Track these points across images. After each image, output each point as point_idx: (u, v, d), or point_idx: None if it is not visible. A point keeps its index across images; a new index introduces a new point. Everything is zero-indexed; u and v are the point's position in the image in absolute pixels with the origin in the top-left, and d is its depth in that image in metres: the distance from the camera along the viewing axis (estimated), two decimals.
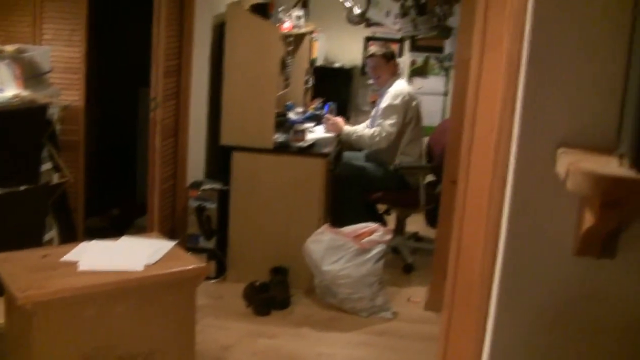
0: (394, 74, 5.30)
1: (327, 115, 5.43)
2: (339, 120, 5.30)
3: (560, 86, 1.51)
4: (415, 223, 5.84)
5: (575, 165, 1.29)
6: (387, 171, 5.20)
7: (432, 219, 5.71)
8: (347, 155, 5.68)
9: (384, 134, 5.01)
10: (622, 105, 1.40)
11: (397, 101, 5.07)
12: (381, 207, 5.70)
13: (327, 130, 5.32)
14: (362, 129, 5.27)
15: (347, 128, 5.21)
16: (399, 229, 5.47)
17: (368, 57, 5.41)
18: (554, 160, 1.51)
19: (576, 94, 1.50)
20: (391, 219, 5.65)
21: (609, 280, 1.57)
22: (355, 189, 5.18)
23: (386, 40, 6.36)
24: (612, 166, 1.30)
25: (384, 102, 5.13)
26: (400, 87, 5.19)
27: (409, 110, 5.12)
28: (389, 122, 5.03)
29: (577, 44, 1.49)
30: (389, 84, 5.23)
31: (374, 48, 5.42)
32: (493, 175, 1.65)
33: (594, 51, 1.49)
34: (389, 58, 5.28)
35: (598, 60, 1.49)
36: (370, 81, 6.51)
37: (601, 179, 1.24)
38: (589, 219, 1.39)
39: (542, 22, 1.50)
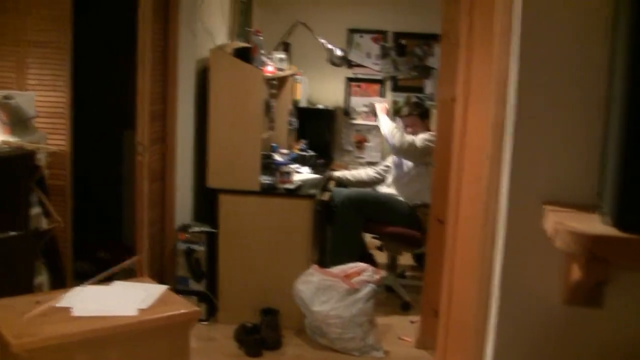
0: (427, 130, 5.40)
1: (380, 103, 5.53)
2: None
3: (545, 148, 1.60)
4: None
5: (562, 224, 1.37)
6: (409, 208, 5.26)
7: (419, 258, 5.75)
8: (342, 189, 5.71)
9: (408, 137, 5.19)
10: (602, 167, 1.49)
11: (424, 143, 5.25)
12: (371, 243, 5.72)
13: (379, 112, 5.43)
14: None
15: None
16: (392, 267, 5.48)
17: (405, 116, 5.51)
18: (540, 216, 1.60)
19: (559, 155, 1.60)
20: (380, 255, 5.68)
21: (597, 327, 1.65)
22: (357, 217, 5.25)
23: (368, 81, 6.51)
24: (596, 225, 1.38)
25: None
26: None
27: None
28: (421, 136, 5.21)
29: (558, 111, 1.59)
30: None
31: (407, 108, 5.56)
32: (483, 232, 1.73)
33: (575, 116, 1.59)
34: (424, 117, 5.42)
35: (579, 123, 1.59)
36: (354, 121, 6.69)
37: (587, 237, 1.33)
38: (576, 273, 1.47)
39: (525, 87, 1.60)
